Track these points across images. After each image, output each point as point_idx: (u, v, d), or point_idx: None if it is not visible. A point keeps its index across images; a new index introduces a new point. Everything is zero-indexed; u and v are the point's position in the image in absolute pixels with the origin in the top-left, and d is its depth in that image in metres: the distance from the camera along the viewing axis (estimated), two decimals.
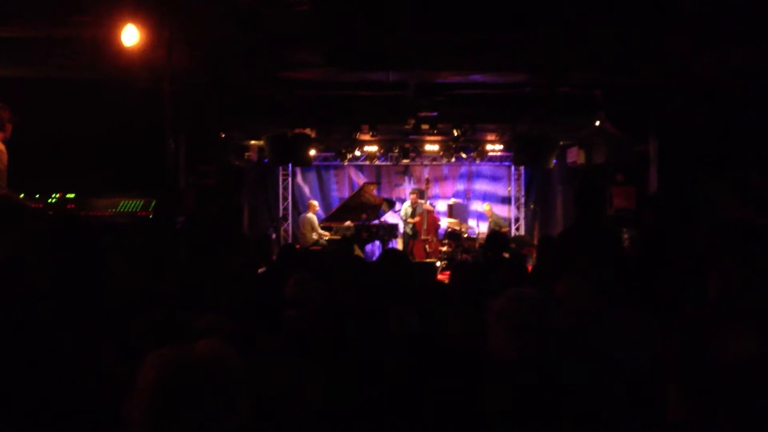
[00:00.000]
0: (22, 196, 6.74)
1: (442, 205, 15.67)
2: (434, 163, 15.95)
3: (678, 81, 7.76)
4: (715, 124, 7.81)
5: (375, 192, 14.49)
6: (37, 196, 7.49)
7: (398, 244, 14.19)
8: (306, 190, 16.44)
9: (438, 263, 12.84)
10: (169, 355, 1.59)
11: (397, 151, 14.22)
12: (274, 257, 8.04)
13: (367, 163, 15.53)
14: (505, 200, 16.29)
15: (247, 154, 12.99)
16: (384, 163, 15.86)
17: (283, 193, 16.34)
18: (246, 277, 5.23)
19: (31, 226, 3.28)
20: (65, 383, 2.52)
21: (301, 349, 3.23)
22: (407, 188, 15.71)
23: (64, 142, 8.00)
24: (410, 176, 16.38)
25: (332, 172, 16.48)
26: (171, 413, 1.51)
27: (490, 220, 14.31)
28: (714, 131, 7.89)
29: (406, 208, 13.92)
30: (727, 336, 2.08)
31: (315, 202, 14.50)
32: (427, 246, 13.58)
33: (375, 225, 13.63)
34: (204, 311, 3.08)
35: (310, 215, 13.78)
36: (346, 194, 15.72)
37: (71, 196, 7.55)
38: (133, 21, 5.45)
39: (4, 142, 5.20)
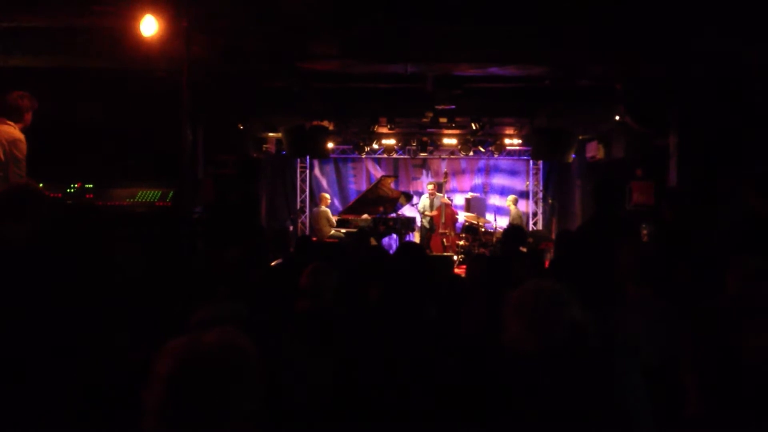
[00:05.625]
0: (41, 185, 6.78)
1: (459, 199, 15.64)
2: (452, 156, 15.87)
3: (698, 75, 7.67)
4: (735, 118, 7.71)
5: (392, 185, 14.43)
6: (56, 185, 7.53)
7: (416, 237, 14.17)
8: (324, 182, 16.42)
9: (455, 257, 12.81)
10: (185, 344, 1.62)
11: (415, 144, 14.20)
12: (292, 249, 8.05)
13: (385, 156, 15.46)
14: (523, 195, 16.18)
15: (265, 146, 13.02)
16: (402, 156, 15.80)
17: (300, 186, 16.33)
18: (260, 267, 5.24)
19: (49, 215, 3.29)
20: (80, 370, 2.53)
21: (314, 339, 3.23)
22: (425, 181, 15.64)
23: (83, 131, 8.05)
24: (428, 170, 16.32)
25: (350, 164, 16.45)
26: (187, 401, 1.53)
27: (513, 209, 14.24)
28: (734, 125, 7.80)
29: (423, 201, 13.91)
30: (746, 331, 2.06)
31: (326, 195, 14.50)
32: (444, 240, 13.56)
33: (392, 218, 13.59)
34: (219, 300, 3.08)
35: (324, 208, 13.78)
36: (364, 187, 15.68)
37: (90, 185, 7.58)
38: (152, 11, 5.48)
39: (24, 131, 5.22)
